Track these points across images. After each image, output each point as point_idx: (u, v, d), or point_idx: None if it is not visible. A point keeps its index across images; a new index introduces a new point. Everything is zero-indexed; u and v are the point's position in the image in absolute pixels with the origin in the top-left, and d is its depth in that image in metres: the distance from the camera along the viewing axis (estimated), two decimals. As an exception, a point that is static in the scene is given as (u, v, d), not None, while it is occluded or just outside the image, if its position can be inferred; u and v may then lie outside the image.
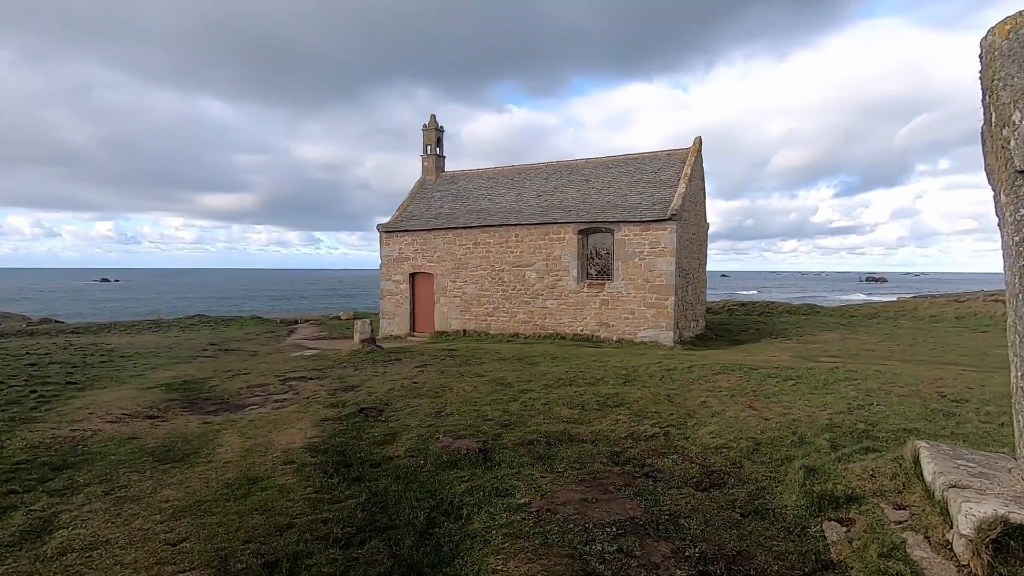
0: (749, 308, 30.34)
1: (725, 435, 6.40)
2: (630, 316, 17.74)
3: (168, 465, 5.59)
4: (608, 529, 4.08)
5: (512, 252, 19.68)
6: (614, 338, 17.93)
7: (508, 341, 18.35)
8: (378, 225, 22.53)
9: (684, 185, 17.90)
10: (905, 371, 10.25)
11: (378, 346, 14.76)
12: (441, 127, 24.88)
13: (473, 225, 20.26)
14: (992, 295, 26.62)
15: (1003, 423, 6.84)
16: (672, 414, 7.42)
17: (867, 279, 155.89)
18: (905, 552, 3.38)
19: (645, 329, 17.52)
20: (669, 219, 16.96)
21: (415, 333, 21.82)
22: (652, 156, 20.26)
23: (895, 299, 41.00)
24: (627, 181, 19.56)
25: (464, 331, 20.51)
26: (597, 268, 18.71)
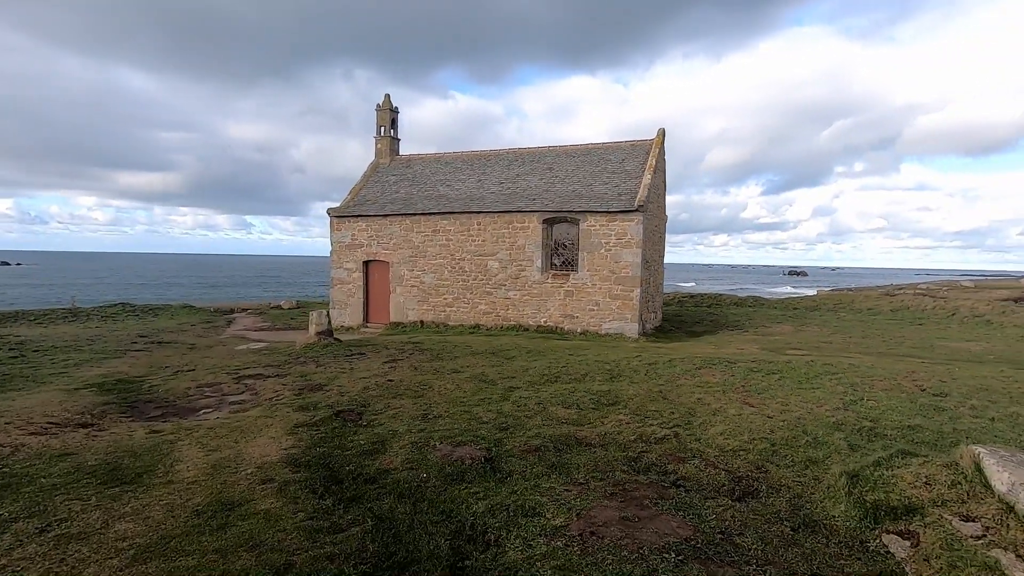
0: (699, 300, 31.04)
1: (737, 436, 6.12)
2: (595, 308, 17.51)
3: (117, 488, 4.65)
4: (667, 555, 3.61)
5: (474, 240, 18.98)
6: (578, 330, 17.67)
7: (470, 333, 17.71)
8: (329, 209, 21.20)
9: (650, 176, 17.79)
10: (876, 365, 10.45)
11: (336, 339, 13.76)
12: (396, 107, 23.68)
13: (432, 211, 19.38)
14: (921, 290, 28.42)
15: (993, 418, 6.95)
16: (673, 413, 7.10)
17: (789, 272, 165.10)
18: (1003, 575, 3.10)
19: (610, 321, 17.35)
20: (636, 210, 16.79)
21: (368, 324, 20.74)
22: (616, 146, 20.06)
23: (830, 291, 43.34)
24: (592, 171, 19.26)
25: (422, 322, 19.67)
26: (562, 259, 18.34)
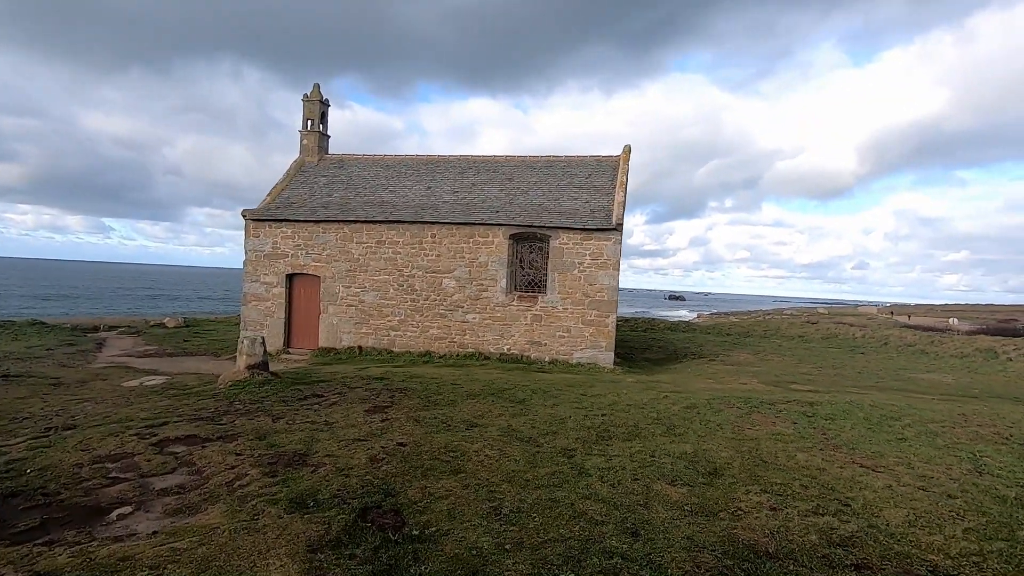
0: (633, 324, 30.59)
1: (935, 526, 4.57)
2: (566, 335, 15.79)
3: None
4: None
5: (427, 255, 16.54)
6: (546, 359, 15.82)
7: (425, 362, 15.17)
8: (244, 211, 17.65)
9: (623, 193, 16.58)
10: (916, 405, 9.65)
11: (273, 373, 10.72)
12: (326, 99, 20.65)
13: (378, 219, 16.67)
14: (835, 319, 30.01)
15: None
16: (802, 486, 5.45)
17: (670, 297, 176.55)
18: None
19: (583, 349, 15.71)
20: (614, 228, 15.42)
21: (291, 349, 17.38)
22: (579, 160, 18.72)
23: (710, 314, 45.45)
24: (557, 184, 17.70)
25: (360, 348, 16.74)
26: (527, 279, 16.47)
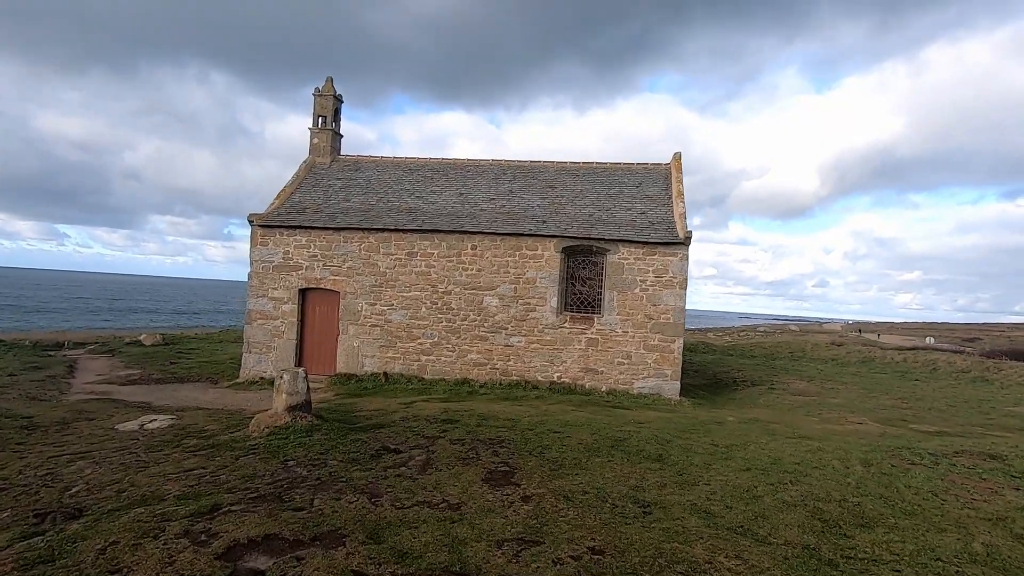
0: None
1: None
2: (625, 361, 13.97)
3: None
4: None
5: (466, 269, 14.56)
6: (603, 388, 13.95)
7: (471, 393, 13.08)
8: (251, 216, 15.38)
9: (682, 204, 14.98)
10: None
11: (316, 415, 8.56)
12: (340, 95, 18.60)
13: (410, 228, 14.63)
14: (808, 335, 28.96)
15: None
16: None
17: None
18: None
19: (644, 378, 13.90)
20: (681, 243, 13.76)
21: (302, 375, 15.05)
22: (627, 168, 17.10)
23: (691, 331, 44.52)
24: (606, 193, 16.01)
25: (385, 374, 14.57)
26: (578, 298, 14.64)
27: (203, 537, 4.30)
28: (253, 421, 8.16)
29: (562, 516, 4.87)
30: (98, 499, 5.31)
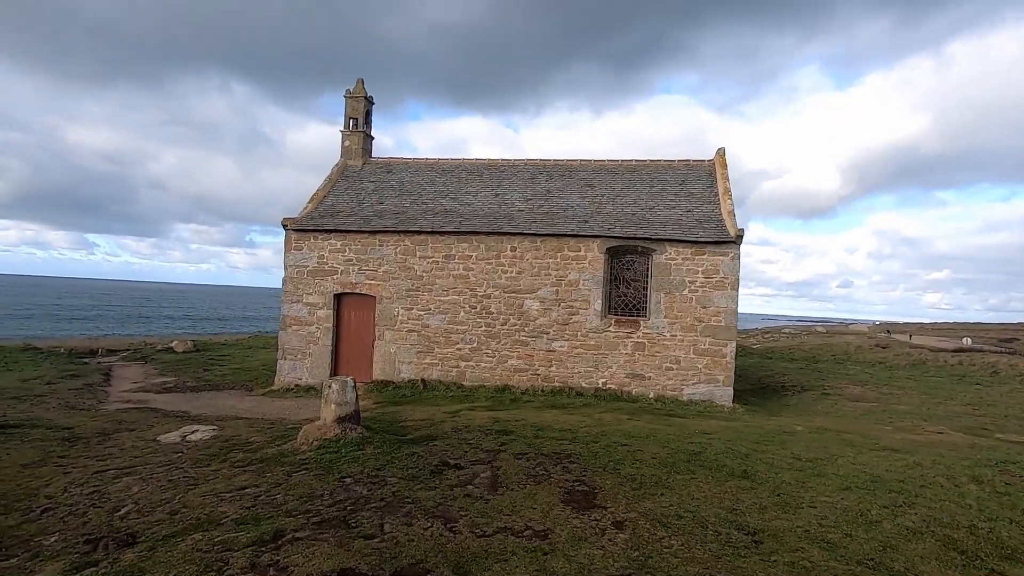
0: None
1: None
2: (674, 366, 13.34)
3: None
4: None
5: (505, 272, 14.07)
6: (650, 395, 13.34)
7: (514, 400, 12.56)
8: (285, 220, 15.11)
9: (730, 201, 14.31)
10: None
11: (367, 427, 8.13)
12: (371, 96, 18.31)
13: (447, 230, 14.20)
14: (838, 337, 27.78)
15: None
16: None
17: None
18: None
19: (695, 384, 13.25)
20: (732, 241, 13.11)
21: (338, 382, 14.70)
22: (667, 165, 16.48)
23: (804, 335, 43.30)
24: (648, 191, 15.40)
25: (423, 381, 14.14)
26: (623, 301, 14.05)
27: (272, 572, 3.84)
28: (301, 433, 7.74)
29: (665, 547, 4.31)
30: (150, 522, 4.91)
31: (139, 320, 57.92)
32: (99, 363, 19.73)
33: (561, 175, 16.49)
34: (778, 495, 5.64)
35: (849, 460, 7.17)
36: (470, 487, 5.77)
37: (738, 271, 13.21)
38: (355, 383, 8.02)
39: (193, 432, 8.96)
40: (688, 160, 16.47)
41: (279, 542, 4.33)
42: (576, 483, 5.83)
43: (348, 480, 5.99)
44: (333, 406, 7.71)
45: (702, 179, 15.67)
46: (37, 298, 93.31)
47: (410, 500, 5.34)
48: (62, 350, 22.45)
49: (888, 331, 66.02)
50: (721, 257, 13.22)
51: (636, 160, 16.70)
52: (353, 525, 4.70)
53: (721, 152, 16.12)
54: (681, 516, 4.96)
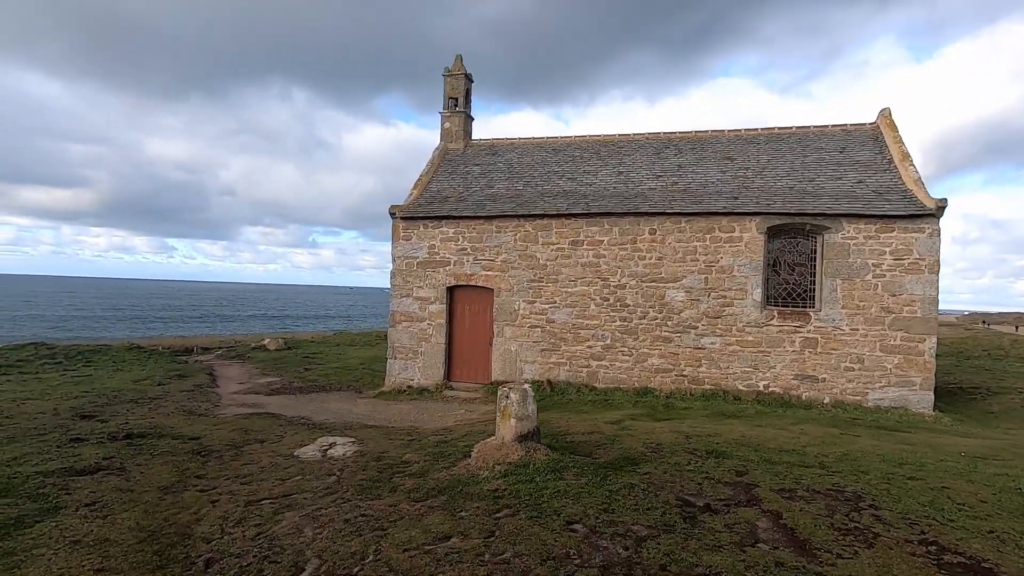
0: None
1: None
2: (856, 366, 11.17)
3: None
4: None
5: (643, 258, 12.31)
6: (825, 399, 11.23)
7: (669, 408, 10.80)
8: (393, 207, 13.93)
9: (913, 168, 11.92)
10: None
11: (550, 446, 6.60)
12: (470, 74, 16.92)
13: (574, 212, 12.58)
14: None
15: None
16: None
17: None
18: None
19: (883, 387, 11.04)
20: (931, 213, 10.79)
21: (453, 383, 13.43)
22: (820, 131, 14.18)
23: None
24: (799, 161, 13.20)
25: (549, 382, 12.60)
26: (784, 289, 11.99)
27: None
28: (475, 454, 6.29)
29: None
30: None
31: (220, 319, 59.91)
32: (198, 361, 19.46)
33: (692, 148, 14.51)
34: None
35: None
36: (761, 545, 4.09)
37: (938, 251, 10.87)
38: (533, 394, 6.49)
39: (331, 446, 7.75)
40: (844, 124, 14.09)
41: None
42: (931, 545, 4.02)
43: (580, 528, 4.44)
44: (513, 421, 6.22)
45: (867, 145, 13.29)
46: (130, 299, 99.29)
47: (699, 566, 3.71)
48: (160, 348, 22.52)
49: (985, 322, 59.36)
50: (916, 234, 10.92)
51: (779, 128, 14.47)
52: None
53: (887, 113, 13.66)
54: None
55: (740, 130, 14.69)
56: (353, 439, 8.16)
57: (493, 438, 6.45)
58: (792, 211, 11.45)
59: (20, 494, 5.48)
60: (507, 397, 6.29)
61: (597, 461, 6.32)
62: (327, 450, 7.56)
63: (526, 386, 6.43)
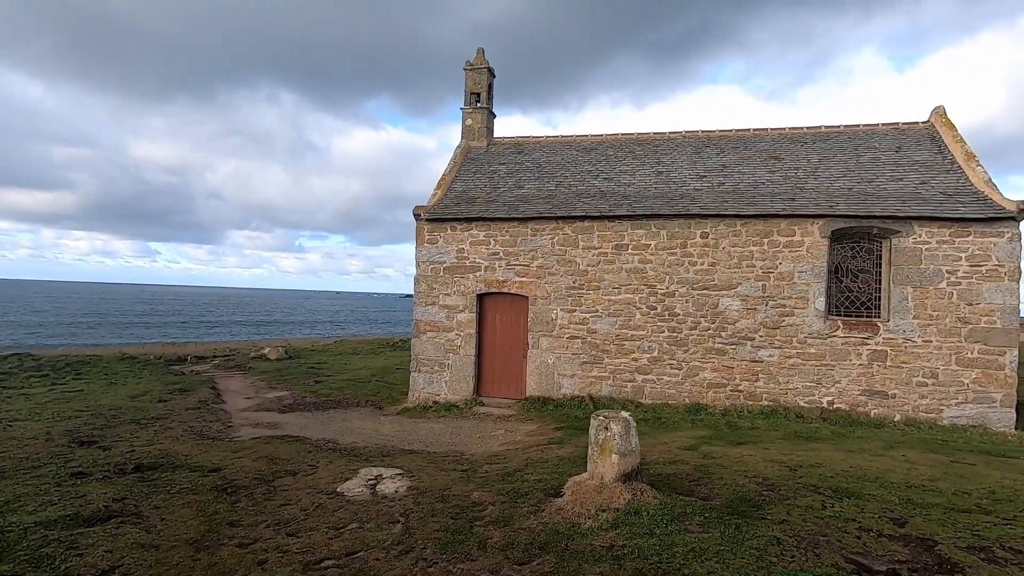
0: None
1: None
2: (929, 380, 10.33)
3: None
4: None
5: (693, 264, 11.40)
6: (896, 417, 10.37)
7: (734, 427, 9.85)
8: (418, 208, 12.88)
9: (982, 168, 11.16)
10: None
11: (649, 485, 5.60)
12: (492, 68, 15.95)
13: (618, 214, 11.64)
14: None
15: None
16: None
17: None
18: None
19: (960, 404, 10.20)
20: (1011, 216, 10.01)
21: (483, 399, 12.38)
22: (870, 130, 13.40)
23: None
24: (853, 161, 12.40)
25: (590, 397, 11.62)
26: (847, 297, 11.13)
27: None
28: (569, 496, 5.27)
29: None
30: None
31: (206, 325, 58.09)
32: (194, 372, 18.21)
33: (734, 147, 13.66)
34: None
35: None
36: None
37: (1019, 256, 10.09)
38: (634, 424, 5.49)
39: (378, 479, 6.69)
40: (896, 123, 13.34)
41: None
42: None
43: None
44: (615, 457, 5.21)
45: (923, 144, 12.53)
46: (111, 304, 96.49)
47: None
48: (152, 358, 21.19)
49: None
50: (994, 239, 10.13)
51: (827, 127, 13.69)
52: None
53: (941, 111, 12.92)
54: None
55: (784, 128, 13.88)
56: (400, 470, 7.10)
57: (586, 475, 5.44)
58: (859, 213, 10.61)
59: (18, 556, 4.36)
60: (606, 429, 5.28)
61: (712, 504, 5.33)
62: (375, 485, 6.50)
63: (626, 414, 5.43)
